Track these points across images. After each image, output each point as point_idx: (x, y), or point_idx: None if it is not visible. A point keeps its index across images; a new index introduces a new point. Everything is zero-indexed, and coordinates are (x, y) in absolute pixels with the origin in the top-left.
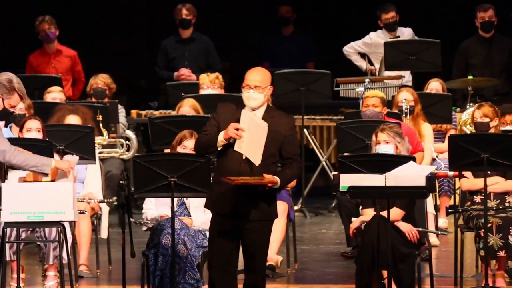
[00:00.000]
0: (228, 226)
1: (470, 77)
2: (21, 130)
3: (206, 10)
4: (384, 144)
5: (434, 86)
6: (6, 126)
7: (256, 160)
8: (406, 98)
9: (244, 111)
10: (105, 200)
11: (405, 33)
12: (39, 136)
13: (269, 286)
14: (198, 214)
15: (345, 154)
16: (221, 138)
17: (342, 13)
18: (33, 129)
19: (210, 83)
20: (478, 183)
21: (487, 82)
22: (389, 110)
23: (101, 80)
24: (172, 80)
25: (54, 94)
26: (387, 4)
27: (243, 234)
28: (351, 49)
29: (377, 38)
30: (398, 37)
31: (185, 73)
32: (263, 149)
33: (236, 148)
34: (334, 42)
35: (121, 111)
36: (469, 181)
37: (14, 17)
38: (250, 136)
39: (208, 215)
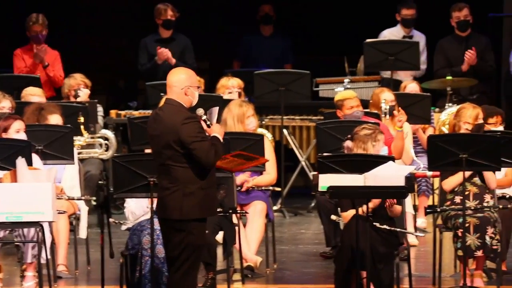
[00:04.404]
0: (205, 227)
1: (448, 78)
2: (5, 131)
3: (185, 9)
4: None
5: (412, 87)
6: None
7: None
8: (386, 98)
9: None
10: (83, 198)
11: (419, 37)
12: (24, 136)
13: (248, 287)
14: None
15: (325, 154)
16: (221, 140)
17: (321, 13)
18: (21, 130)
19: None
20: (456, 177)
21: (465, 82)
22: (367, 110)
23: (81, 80)
24: (157, 68)
25: (36, 98)
26: (410, 0)
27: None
28: None
29: (390, 36)
30: (411, 36)
31: (162, 51)
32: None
33: None
34: (314, 42)
35: (99, 111)
36: (448, 180)
37: None
38: None
39: None
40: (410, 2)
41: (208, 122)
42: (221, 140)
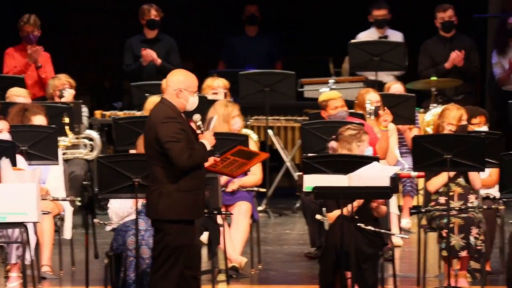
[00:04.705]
0: (188, 228)
1: (433, 78)
2: None
3: (170, 9)
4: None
5: (396, 88)
6: None
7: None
8: (371, 99)
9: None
10: (67, 198)
11: (395, 36)
12: (7, 136)
13: (232, 287)
14: None
15: (309, 154)
16: (208, 147)
17: (306, 14)
18: (4, 130)
19: None
20: (441, 178)
21: (450, 83)
22: (352, 110)
23: (66, 81)
24: (142, 69)
25: (21, 99)
26: (381, 1)
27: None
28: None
29: (365, 38)
30: (386, 36)
31: (147, 53)
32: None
33: None
34: (299, 43)
35: (84, 112)
36: (433, 181)
37: None
38: None
39: None
40: (381, 2)
41: (202, 128)
42: (208, 148)
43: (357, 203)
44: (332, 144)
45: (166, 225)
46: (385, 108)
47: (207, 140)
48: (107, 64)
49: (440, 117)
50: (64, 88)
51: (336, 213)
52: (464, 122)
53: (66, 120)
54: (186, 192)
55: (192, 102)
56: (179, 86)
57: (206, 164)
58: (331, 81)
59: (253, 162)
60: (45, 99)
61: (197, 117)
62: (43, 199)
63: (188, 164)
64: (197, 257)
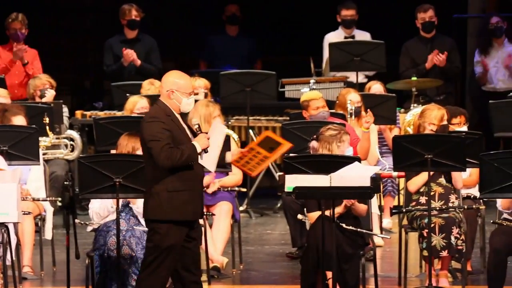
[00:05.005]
0: (188, 230)
1: (414, 78)
2: None
3: (150, 9)
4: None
5: (376, 88)
6: None
7: (212, 167)
8: (352, 99)
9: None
10: (48, 199)
11: (362, 36)
12: None
13: (214, 287)
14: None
15: (291, 154)
16: (199, 149)
17: (287, 14)
18: None
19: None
20: (421, 177)
21: (431, 83)
22: (333, 110)
23: (47, 81)
24: (123, 69)
25: (1, 99)
26: (349, 1)
27: (192, 234)
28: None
29: (333, 39)
30: (353, 36)
31: (128, 53)
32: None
33: (199, 160)
34: (279, 43)
35: (65, 112)
36: (413, 181)
37: None
38: (211, 146)
39: None
40: (350, 2)
41: (199, 132)
42: (198, 150)
43: (340, 209)
44: (313, 144)
45: (154, 225)
46: (368, 109)
47: (199, 142)
48: (88, 64)
49: (421, 117)
50: (45, 88)
51: (317, 213)
52: (445, 122)
53: (47, 120)
54: (174, 192)
55: (186, 104)
56: (171, 87)
57: (234, 157)
58: (312, 81)
59: (274, 154)
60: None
61: (194, 121)
62: (23, 200)
63: (167, 164)
64: (196, 260)
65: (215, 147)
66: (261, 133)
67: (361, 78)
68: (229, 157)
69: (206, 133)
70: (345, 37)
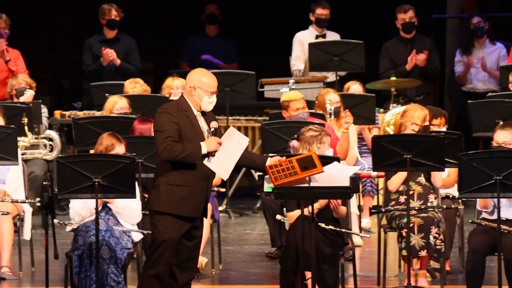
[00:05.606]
0: (187, 226)
1: (393, 78)
2: None
3: (130, 9)
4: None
5: (355, 88)
6: None
7: (224, 174)
8: (331, 99)
9: (232, 128)
10: (27, 201)
11: (332, 36)
12: None
13: (193, 287)
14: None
15: (270, 154)
16: (204, 151)
17: (266, 14)
18: None
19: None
20: (399, 176)
21: (409, 83)
22: (312, 110)
23: (23, 80)
24: (102, 69)
25: None
26: (324, 1)
27: (193, 232)
28: (297, 65)
29: (305, 37)
30: (325, 35)
31: (107, 52)
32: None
33: (204, 161)
34: (259, 42)
35: (43, 112)
36: (393, 180)
37: None
38: (223, 152)
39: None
40: (325, 2)
41: (211, 135)
42: (203, 151)
43: (319, 204)
44: (294, 143)
45: (153, 217)
46: (347, 110)
47: (207, 144)
48: (67, 64)
49: (404, 116)
50: (20, 87)
51: (297, 213)
52: (427, 123)
53: (25, 120)
54: (174, 186)
55: (206, 102)
56: (194, 84)
57: (271, 163)
58: (291, 81)
59: (304, 174)
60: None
61: (212, 124)
62: (1, 201)
63: (164, 155)
64: (194, 260)
65: (228, 154)
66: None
67: (333, 77)
68: (267, 161)
69: (219, 137)
70: (317, 36)
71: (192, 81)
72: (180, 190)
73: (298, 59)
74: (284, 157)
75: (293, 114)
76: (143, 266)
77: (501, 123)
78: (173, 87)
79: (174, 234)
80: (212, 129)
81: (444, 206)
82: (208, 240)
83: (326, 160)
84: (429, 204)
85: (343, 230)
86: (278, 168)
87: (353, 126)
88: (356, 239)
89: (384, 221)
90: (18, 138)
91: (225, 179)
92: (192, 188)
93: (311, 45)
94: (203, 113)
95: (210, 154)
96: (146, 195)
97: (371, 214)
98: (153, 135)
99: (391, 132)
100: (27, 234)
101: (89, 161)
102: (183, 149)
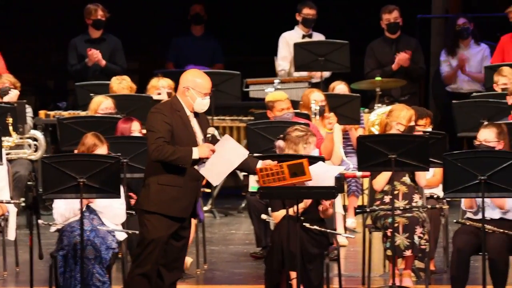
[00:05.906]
0: (176, 226)
1: (378, 78)
2: None
3: (115, 9)
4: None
5: (340, 88)
6: None
7: (214, 181)
8: (315, 99)
9: (228, 136)
10: (12, 201)
11: (317, 37)
12: None
13: (178, 287)
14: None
15: (255, 154)
16: (196, 156)
17: (252, 14)
18: None
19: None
20: (383, 175)
21: (394, 83)
22: (297, 110)
23: (7, 80)
24: (87, 69)
25: None
26: (310, 1)
27: (181, 233)
28: (282, 65)
29: (291, 38)
30: (311, 35)
31: (93, 53)
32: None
33: (195, 166)
34: (244, 42)
35: (28, 112)
36: (377, 180)
37: None
38: (216, 159)
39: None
40: (311, 2)
41: (207, 141)
42: (194, 156)
43: (304, 204)
44: (279, 143)
45: (142, 216)
46: (330, 111)
47: (199, 150)
48: (52, 63)
49: (390, 116)
50: (4, 86)
51: (282, 213)
52: (412, 123)
53: (10, 120)
54: (164, 186)
55: (199, 103)
56: (187, 85)
57: (261, 166)
58: (276, 81)
59: (292, 180)
60: None
61: (209, 130)
62: None
63: (154, 155)
64: (180, 260)
65: (221, 161)
66: (224, 133)
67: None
68: (258, 164)
69: (214, 144)
70: (303, 36)
71: (186, 82)
72: (170, 190)
73: (285, 59)
74: (276, 162)
75: (278, 115)
76: (131, 265)
77: (485, 123)
78: (158, 87)
79: (164, 233)
80: (208, 136)
81: (429, 206)
82: (193, 240)
83: (311, 160)
84: (414, 204)
85: (328, 230)
86: (268, 171)
87: (338, 126)
88: (341, 239)
89: (369, 221)
90: (3, 138)
91: (214, 186)
92: (182, 188)
93: (296, 45)
94: (196, 114)
95: (202, 160)
96: (131, 194)
97: (356, 214)
98: (132, 134)
99: (376, 132)
100: (11, 235)
101: (74, 161)
102: (173, 151)
